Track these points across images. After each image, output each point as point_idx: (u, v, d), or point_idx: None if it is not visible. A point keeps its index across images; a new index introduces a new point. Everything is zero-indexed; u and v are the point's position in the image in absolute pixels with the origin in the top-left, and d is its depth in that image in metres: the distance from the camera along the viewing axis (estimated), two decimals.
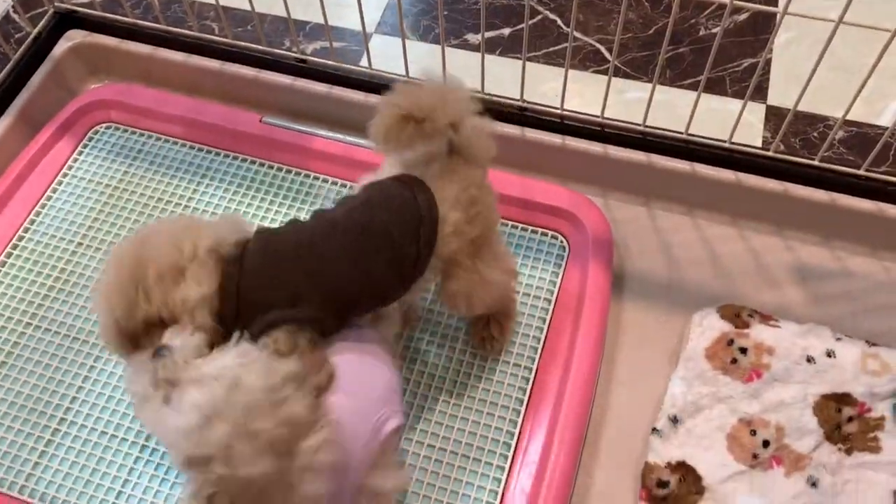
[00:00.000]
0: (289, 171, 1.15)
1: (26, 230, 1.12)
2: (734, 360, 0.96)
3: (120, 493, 0.91)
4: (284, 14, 1.09)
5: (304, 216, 1.09)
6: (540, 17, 1.35)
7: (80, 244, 1.10)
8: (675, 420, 0.94)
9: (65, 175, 1.17)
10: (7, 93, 1.20)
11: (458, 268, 0.84)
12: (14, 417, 0.96)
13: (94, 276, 1.07)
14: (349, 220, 0.80)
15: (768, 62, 1.27)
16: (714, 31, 1.31)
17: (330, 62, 1.19)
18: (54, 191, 1.15)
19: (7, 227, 1.11)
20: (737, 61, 1.27)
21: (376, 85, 1.18)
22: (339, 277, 0.78)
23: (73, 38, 1.27)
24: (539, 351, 0.98)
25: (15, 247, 1.10)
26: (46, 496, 0.91)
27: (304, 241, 0.79)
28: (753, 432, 0.92)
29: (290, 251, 0.79)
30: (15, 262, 1.09)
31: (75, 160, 1.18)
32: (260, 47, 1.21)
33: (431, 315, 1.02)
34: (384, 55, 1.29)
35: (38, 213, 1.13)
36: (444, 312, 1.02)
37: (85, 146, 1.20)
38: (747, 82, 1.24)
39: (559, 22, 1.34)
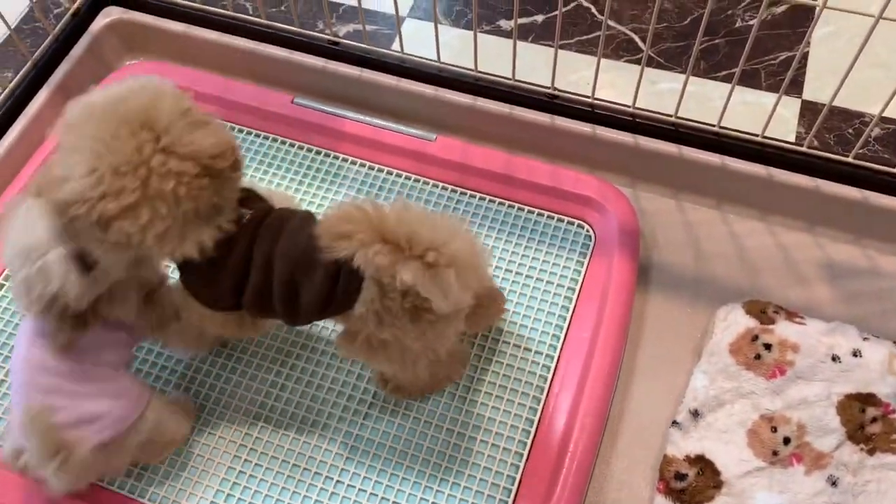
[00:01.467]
0: (318, 153, 1.16)
1: None
2: (758, 356, 0.96)
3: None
4: None
5: (332, 197, 1.11)
6: (574, 4, 1.34)
7: None
8: (695, 414, 0.94)
9: None
10: (46, 67, 1.22)
11: None
12: None
13: None
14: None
15: (805, 56, 1.25)
16: (751, 22, 1.29)
17: (362, 45, 1.19)
18: None
19: None
20: (773, 54, 1.25)
21: (407, 69, 1.18)
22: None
23: (110, 14, 1.28)
24: (561, 339, 0.98)
25: None
26: None
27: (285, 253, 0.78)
28: (774, 429, 0.92)
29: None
30: None
31: None
32: (293, 28, 1.22)
33: None
34: (416, 40, 1.29)
35: None
36: None
37: None
38: (782, 76, 1.23)
39: (593, 10, 1.33)
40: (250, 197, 0.80)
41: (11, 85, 1.19)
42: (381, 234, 0.70)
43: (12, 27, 1.17)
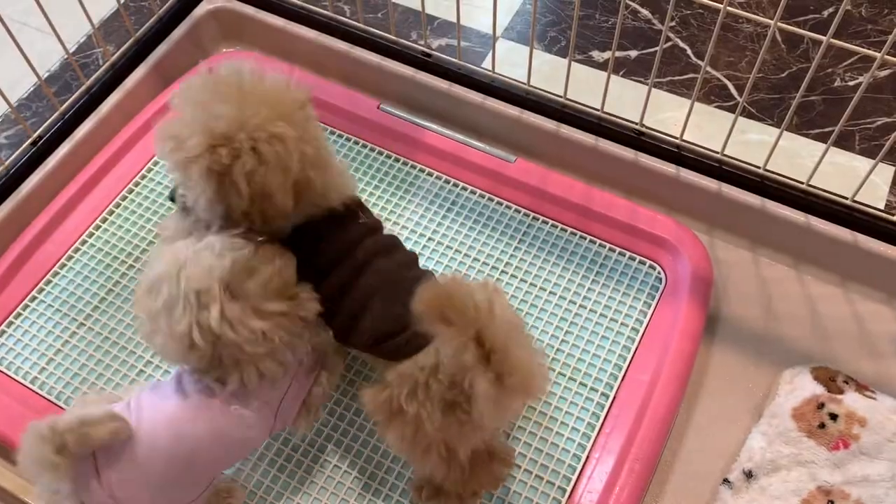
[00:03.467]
0: (397, 160, 1.17)
1: (143, 177, 1.17)
2: (822, 425, 0.92)
3: None
4: (415, 6, 1.11)
5: (405, 205, 1.11)
6: (670, 44, 1.33)
7: None
8: (749, 475, 0.91)
9: None
10: (147, 44, 1.26)
11: None
12: (114, 355, 1.01)
13: None
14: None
15: None
16: (850, 83, 1.26)
17: (454, 60, 1.20)
18: None
19: (126, 172, 1.16)
20: (870, 118, 1.22)
21: (495, 88, 1.18)
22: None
23: (214, 1, 1.32)
24: (619, 379, 0.96)
25: (130, 191, 1.15)
26: None
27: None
28: (831, 503, 0.88)
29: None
30: (128, 206, 1.14)
31: None
32: (388, 35, 1.23)
33: None
34: (506, 61, 1.30)
35: (155, 163, 1.18)
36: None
37: None
38: (878, 141, 1.19)
39: (689, 52, 1.32)
40: (363, 206, 0.83)
41: (113, 58, 1.23)
42: (480, 334, 0.66)
43: (121, 2, 1.20)
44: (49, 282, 1.07)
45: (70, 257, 1.09)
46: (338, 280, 0.78)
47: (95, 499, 0.73)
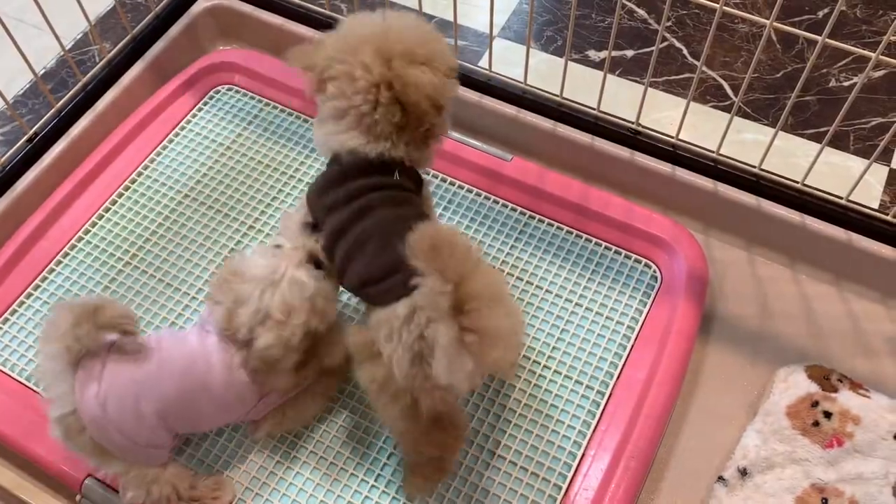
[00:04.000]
0: None
1: (139, 174, 1.17)
2: (816, 423, 0.93)
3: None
4: (412, 4, 1.11)
5: None
6: (666, 43, 1.33)
7: (186, 196, 1.14)
8: (744, 472, 0.91)
9: (182, 128, 1.22)
10: (143, 42, 1.26)
11: None
12: None
13: (196, 228, 1.11)
14: None
15: None
16: (845, 83, 1.27)
17: None
18: (170, 141, 1.20)
19: (122, 169, 1.16)
20: (865, 118, 1.23)
21: (492, 87, 1.19)
22: None
23: None
24: (615, 377, 0.96)
25: (127, 188, 1.15)
26: None
27: None
28: (825, 500, 0.89)
29: None
30: (125, 203, 1.14)
31: (194, 115, 1.23)
32: None
33: None
34: (502, 60, 1.30)
35: (152, 160, 1.18)
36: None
37: (205, 104, 1.24)
38: (872, 141, 1.20)
39: (685, 52, 1.33)
40: (415, 174, 0.86)
41: (109, 55, 1.23)
42: (461, 284, 0.66)
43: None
44: (45, 279, 1.07)
45: (66, 254, 1.09)
46: (341, 217, 0.82)
47: (86, 402, 0.78)
